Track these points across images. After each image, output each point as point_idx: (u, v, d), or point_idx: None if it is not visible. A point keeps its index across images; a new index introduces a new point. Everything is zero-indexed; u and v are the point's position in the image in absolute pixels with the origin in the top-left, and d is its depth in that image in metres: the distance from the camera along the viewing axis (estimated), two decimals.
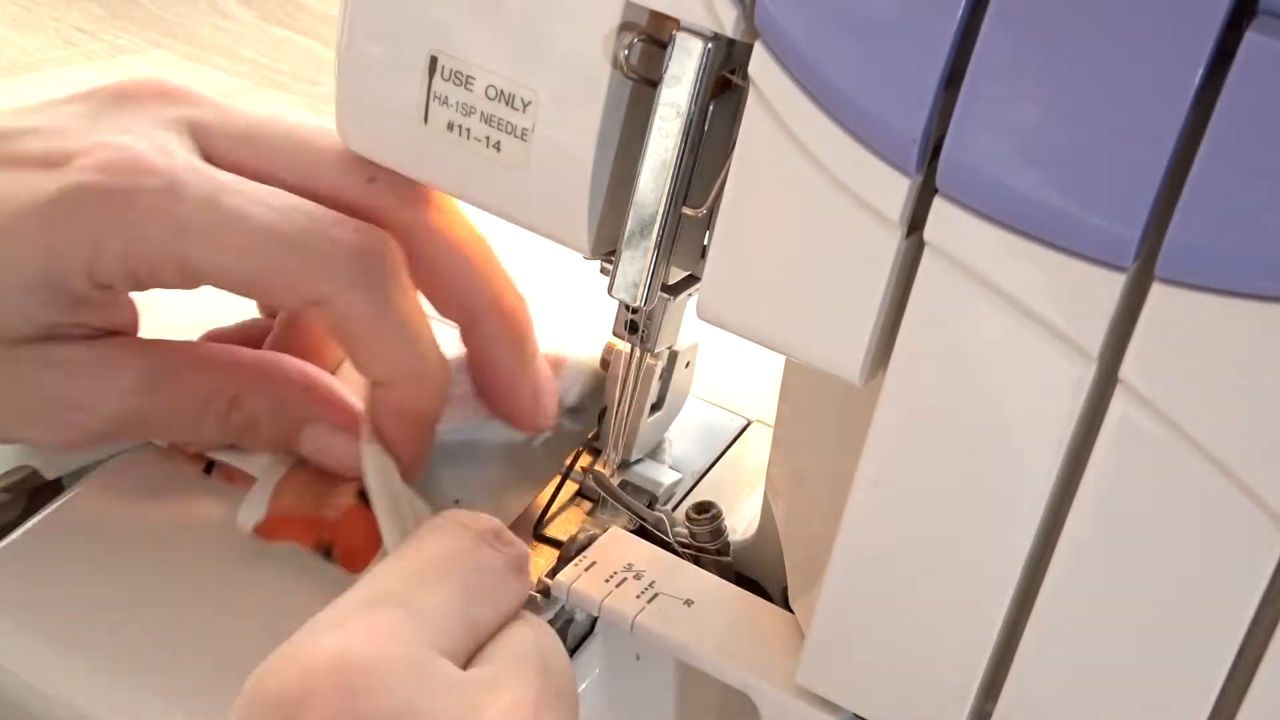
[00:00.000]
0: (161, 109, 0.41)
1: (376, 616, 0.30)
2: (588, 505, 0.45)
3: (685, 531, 0.43)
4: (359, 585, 0.31)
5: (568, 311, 0.54)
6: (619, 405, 0.44)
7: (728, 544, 0.43)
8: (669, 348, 0.44)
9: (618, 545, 0.41)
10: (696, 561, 0.42)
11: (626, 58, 0.33)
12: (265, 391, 0.42)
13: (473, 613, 0.32)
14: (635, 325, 0.42)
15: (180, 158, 0.39)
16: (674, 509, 0.46)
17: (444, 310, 0.42)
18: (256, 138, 0.41)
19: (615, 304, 0.42)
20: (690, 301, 0.42)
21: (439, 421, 0.42)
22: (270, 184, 0.40)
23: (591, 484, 0.44)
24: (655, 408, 0.46)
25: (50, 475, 0.44)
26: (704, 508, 0.43)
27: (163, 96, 0.41)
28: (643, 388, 0.44)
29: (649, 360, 0.43)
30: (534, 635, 0.34)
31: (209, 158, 0.40)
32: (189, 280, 0.39)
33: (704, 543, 0.42)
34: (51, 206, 0.38)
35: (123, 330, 0.42)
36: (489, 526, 0.34)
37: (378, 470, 0.41)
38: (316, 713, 0.28)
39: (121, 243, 0.38)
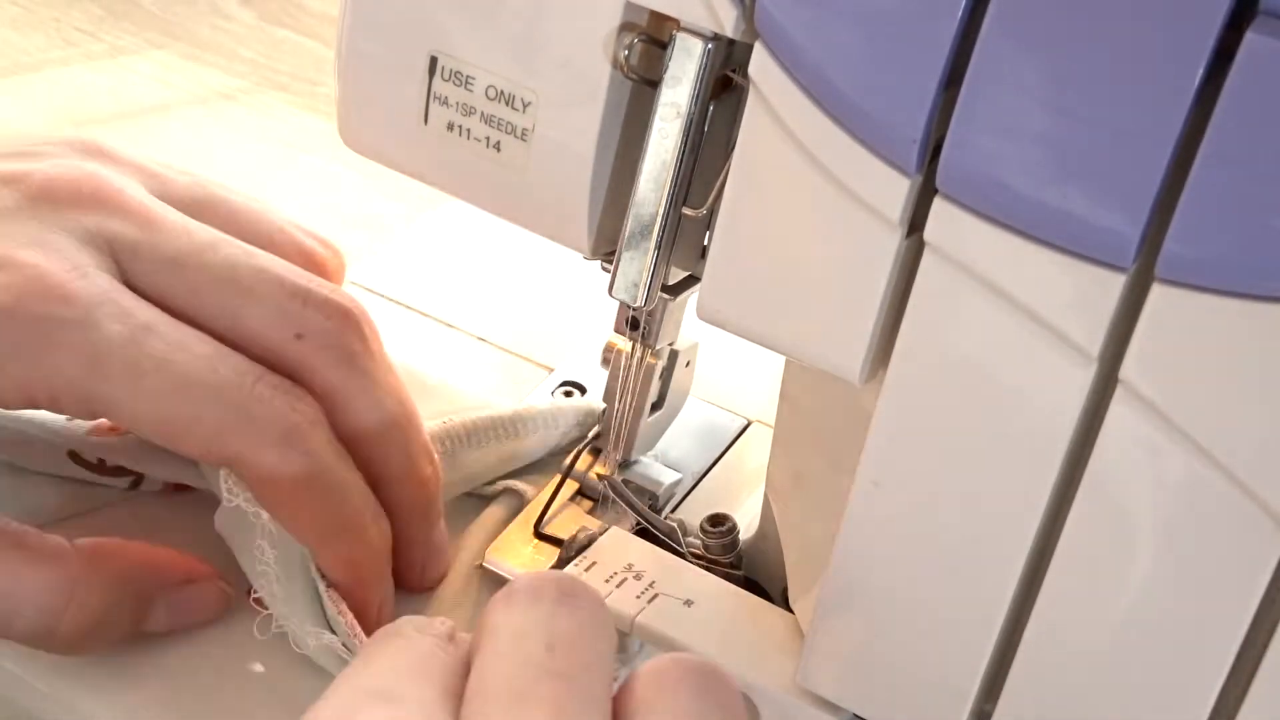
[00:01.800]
0: (83, 217, 0.37)
1: (373, 711, 0.28)
2: (588, 504, 0.45)
3: (696, 541, 0.43)
4: (338, 686, 0.29)
5: (568, 312, 0.55)
6: (619, 404, 0.44)
7: (741, 556, 0.43)
8: (670, 345, 0.44)
9: (618, 545, 0.41)
10: (707, 570, 0.42)
11: (626, 58, 0.33)
12: (104, 581, 0.38)
13: (455, 705, 0.29)
14: (636, 322, 0.42)
15: (99, 285, 0.36)
16: (674, 509, 0.46)
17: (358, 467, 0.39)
18: (184, 268, 0.38)
19: (615, 303, 0.42)
20: (691, 300, 0.42)
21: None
22: (193, 319, 0.37)
23: (595, 483, 0.44)
24: (656, 407, 0.46)
25: None
26: (719, 520, 0.42)
27: (87, 203, 0.38)
28: (643, 386, 0.44)
29: (649, 359, 0.43)
30: (519, 644, 0.30)
31: (130, 281, 0.37)
32: (93, 415, 0.37)
33: (716, 555, 0.42)
34: None
35: None
36: (443, 631, 0.31)
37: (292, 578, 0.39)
38: None
39: (23, 369, 0.35)
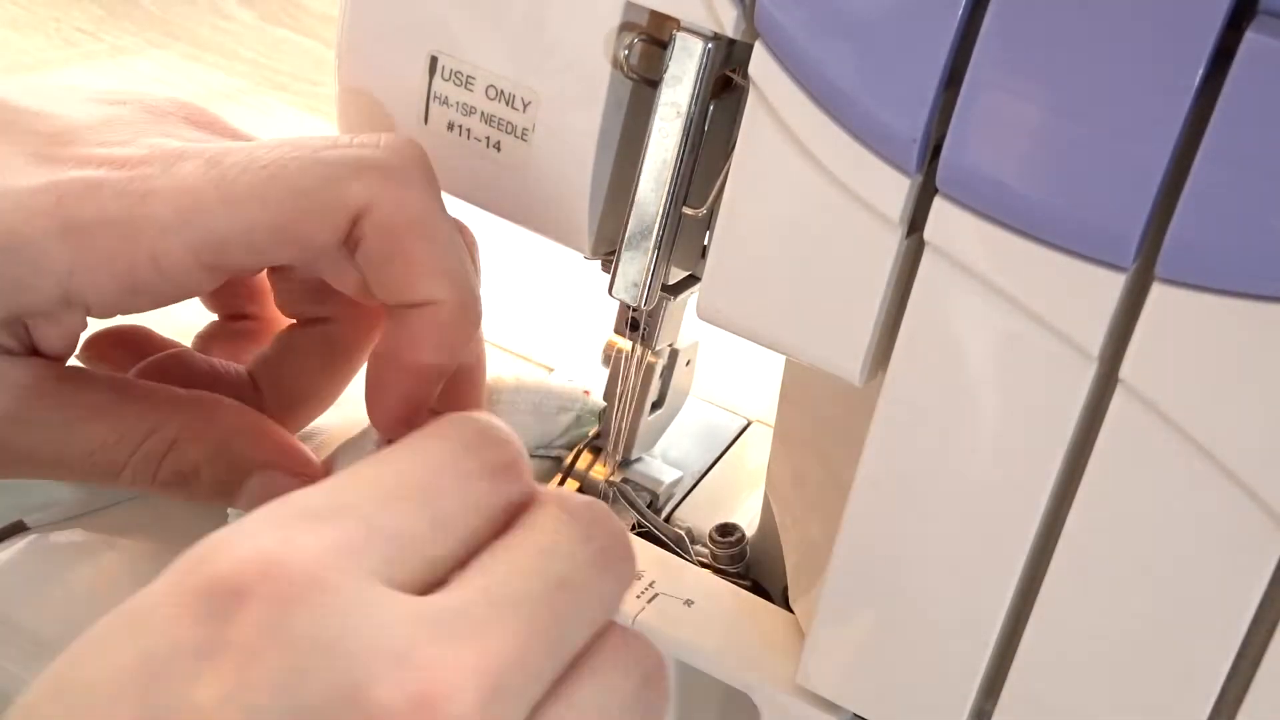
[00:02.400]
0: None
1: (326, 528, 0.25)
2: None
3: (704, 550, 0.43)
4: (315, 488, 0.26)
5: (568, 312, 0.54)
6: (620, 403, 0.44)
7: (748, 566, 0.43)
8: (670, 345, 0.44)
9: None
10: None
11: (627, 58, 0.33)
12: (209, 437, 0.37)
13: (449, 545, 0.26)
14: (636, 323, 0.42)
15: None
16: (675, 508, 0.46)
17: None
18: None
19: (615, 303, 0.42)
20: (691, 299, 0.42)
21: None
22: None
23: (596, 483, 0.44)
24: (656, 406, 0.46)
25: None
26: (728, 530, 0.42)
27: (191, 119, 0.39)
28: (643, 386, 0.44)
29: (650, 358, 0.43)
30: (545, 542, 0.27)
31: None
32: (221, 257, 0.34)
33: (724, 565, 0.42)
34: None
35: (56, 354, 0.37)
36: (497, 459, 0.28)
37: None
38: (247, 619, 0.24)
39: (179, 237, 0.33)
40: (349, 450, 0.40)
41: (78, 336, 0.37)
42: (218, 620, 0.24)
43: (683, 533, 0.43)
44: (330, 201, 0.33)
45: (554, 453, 0.47)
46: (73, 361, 0.39)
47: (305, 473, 0.38)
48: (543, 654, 0.26)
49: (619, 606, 0.29)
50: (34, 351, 0.36)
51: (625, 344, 0.44)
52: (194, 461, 0.37)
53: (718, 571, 0.42)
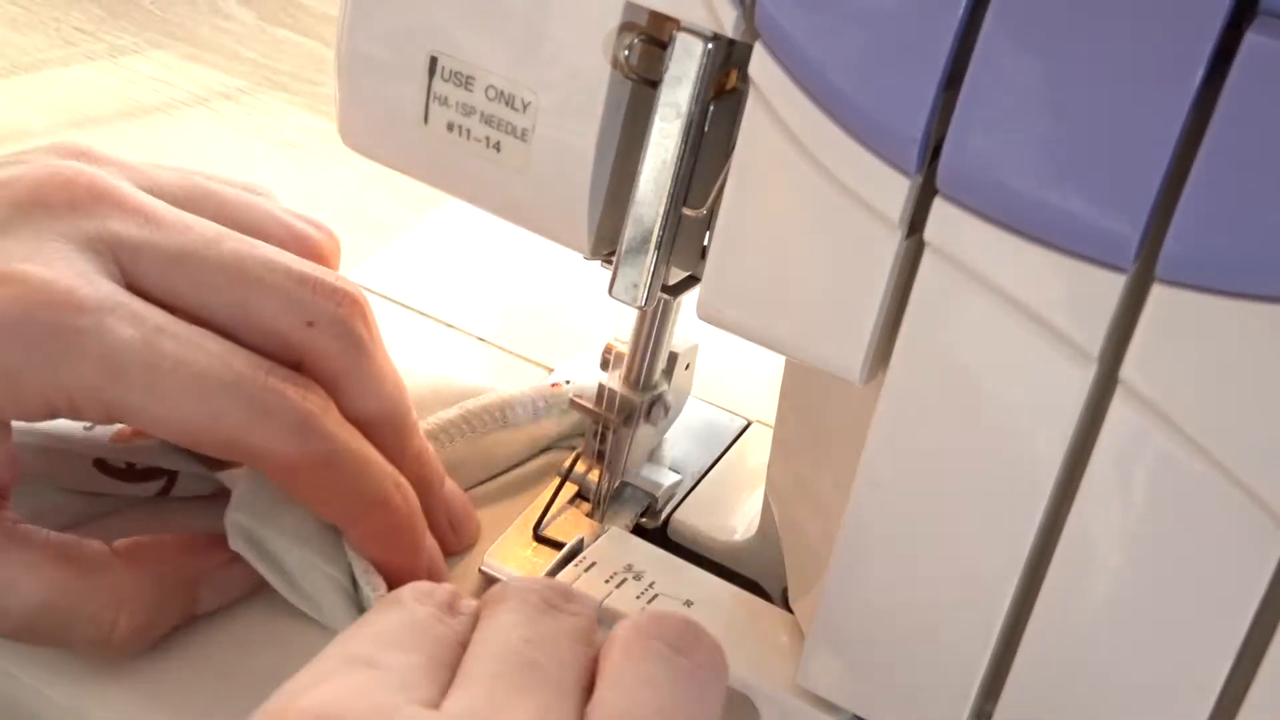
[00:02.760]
0: (80, 220, 0.37)
1: (346, 676, 0.29)
2: (587, 506, 0.45)
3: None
4: (325, 653, 0.30)
5: (567, 312, 0.54)
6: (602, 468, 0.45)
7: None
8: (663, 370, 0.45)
9: (618, 545, 0.41)
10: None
11: (627, 58, 0.33)
12: (151, 587, 0.38)
13: (439, 675, 0.30)
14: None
15: (106, 290, 0.36)
16: (674, 509, 0.46)
17: None
18: (188, 264, 0.37)
19: (614, 304, 0.42)
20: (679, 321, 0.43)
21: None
22: (200, 315, 0.37)
23: (592, 484, 0.44)
24: None
25: None
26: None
27: (84, 203, 0.37)
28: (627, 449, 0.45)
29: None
30: (502, 636, 0.32)
31: (133, 281, 0.37)
32: (111, 420, 0.37)
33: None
34: None
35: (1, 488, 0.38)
36: (443, 600, 0.33)
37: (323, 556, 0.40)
38: None
39: (43, 381, 0.35)
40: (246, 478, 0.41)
41: (12, 466, 0.38)
42: None
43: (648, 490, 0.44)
44: (233, 437, 0.37)
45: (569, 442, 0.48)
46: None
47: (229, 554, 0.40)
48: (550, 690, 0.30)
49: (592, 633, 0.33)
50: None
51: (623, 348, 0.44)
52: (149, 609, 0.39)
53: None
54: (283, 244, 0.40)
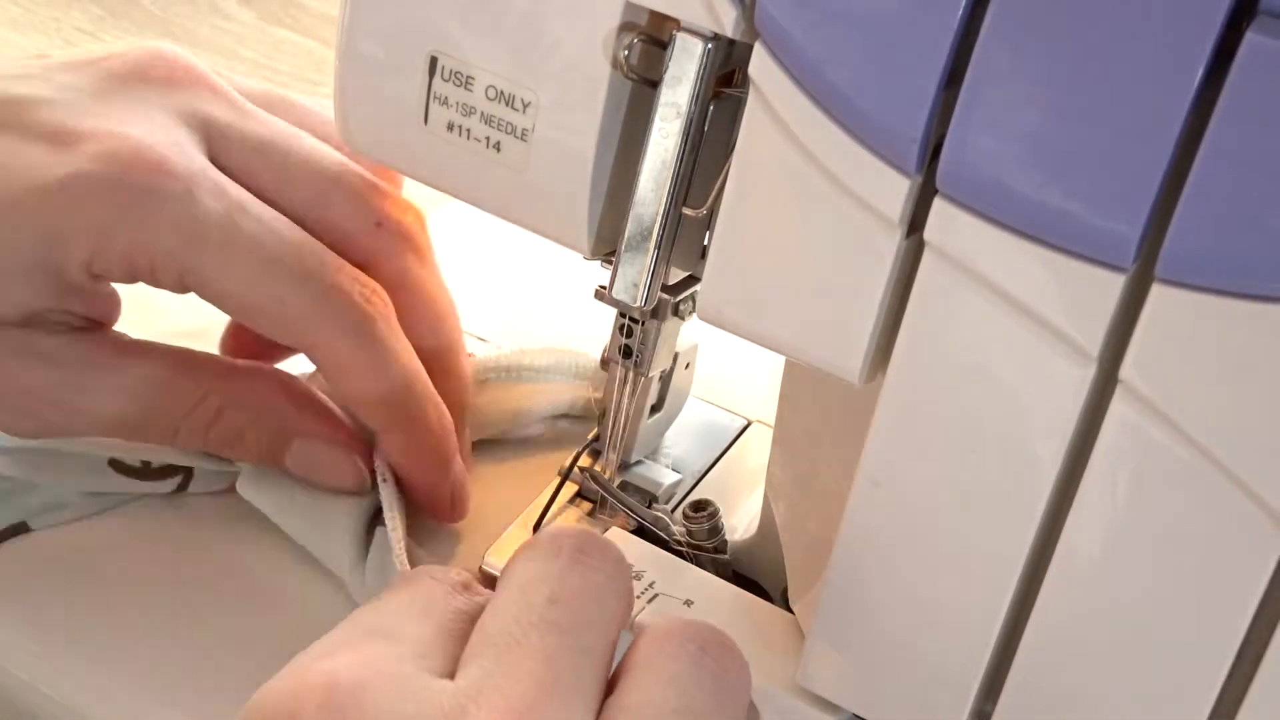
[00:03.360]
0: (177, 96, 0.39)
1: (362, 645, 0.30)
2: (587, 506, 0.45)
3: (682, 530, 0.43)
4: (342, 625, 0.31)
5: (567, 312, 0.54)
6: (615, 419, 0.44)
7: (725, 541, 0.43)
8: (663, 371, 0.44)
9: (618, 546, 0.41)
10: (695, 560, 0.42)
11: (626, 58, 0.33)
12: (252, 403, 0.41)
13: (453, 647, 0.31)
14: (630, 350, 0.42)
15: (198, 161, 0.38)
16: (674, 509, 0.46)
17: None
18: (272, 153, 0.40)
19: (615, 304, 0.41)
20: (683, 324, 0.42)
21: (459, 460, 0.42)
22: (278, 202, 0.39)
23: (590, 484, 0.44)
24: (655, 409, 0.46)
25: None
26: (701, 506, 0.43)
27: (181, 81, 0.40)
28: (642, 393, 0.44)
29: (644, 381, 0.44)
30: (525, 595, 0.31)
31: (219, 160, 0.39)
32: (185, 288, 0.39)
33: (701, 540, 0.42)
34: (57, 191, 0.37)
35: (103, 321, 0.41)
36: (459, 580, 0.33)
37: (391, 506, 0.41)
38: None
39: (129, 239, 0.37)
40: None
41: (116, 302, 0.41)
42: None
43: (661, 514, 0.43)
44: (292, 325, 0.39)
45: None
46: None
47: (340, 439, 0.42)
48: (567, 671, 0.29)
49: (626, 589, 0.33)
50: (88, 324, 0.40)
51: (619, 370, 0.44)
52: (239, 428, 0.41)
53: (695, 548, 0.42)
54: (350, 157, 0.42)
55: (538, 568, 0.32)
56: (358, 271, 0.40)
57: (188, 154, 0.38)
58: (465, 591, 0.33)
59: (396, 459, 0.41)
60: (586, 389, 0.48)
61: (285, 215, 0.39)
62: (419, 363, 0.41)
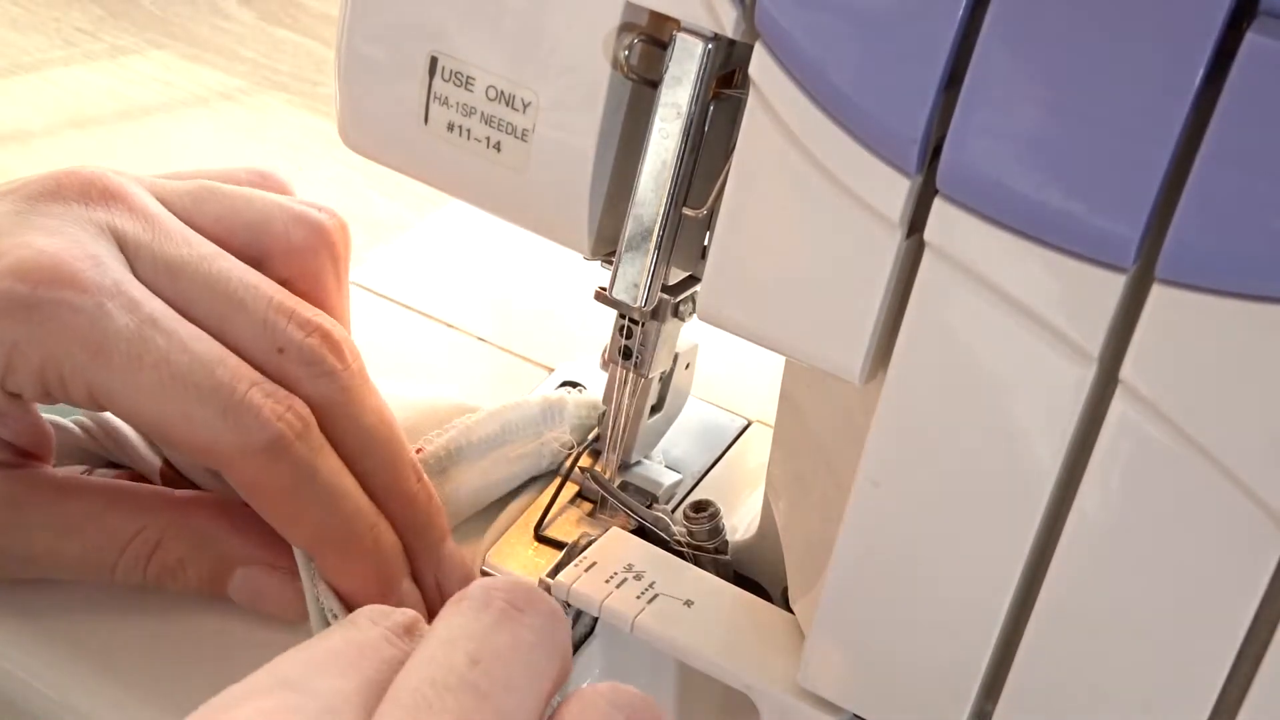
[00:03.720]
0: (94, 211, 0.39)
1: (269, 698, 0.28)
2: (588, 506, 0.45)
3: (683, 530, 0.43)
4: (257, 672, 0.29)
5: (568, 312, 0.55)
6: (615, 418, 0.44)
7: (726, 542, 0.43)
8: (662, 372, 0.44)
9: (618, 545, 0.41)
10: (695, 561, 0.42)
11: (627, 58, 0.33)
12: (191, 533, 0.40)
13: (374, 702, 0.29)
14: (629, 351, 0.42)
15: (110, 274, 0.37)
16: (674, 509, 0.46)
17: None
18: (181, 277, 0.39)
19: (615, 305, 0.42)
20: (685, 325, 0.42)
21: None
22: (191, 320, 0.38)
23: (590, 484, 0.44)
24: (655, 409, 0.46)
25: None
26: (701, 506, 0.43)
27: (98, 198, 0.39)
28: (642, 394, 0.44)
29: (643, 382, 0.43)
30: (445, 654, 0.29)
31: (137, 275, 0.38)
32: (95, 405, 0.38)
33: (702, 541, 0.42)
34: None
35: (35, 454, 0.40)
36: (401, 622, 0.31)
37: (308, 579, 0.40)
38: None
39: (40, 354, 0.36)
40: None
41: (47, 435, 0.41)
42: None
43: (662, 514, 0.43)
44: (204, 442, 0.37)
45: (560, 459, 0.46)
46: None
47: (286, 565, 0.40)
48: None
49: (561, 646, 0.30)
50: (19, 460, 0.40)
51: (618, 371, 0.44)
52: (178, 558, 0.40)
53: (697, 548, 0.42)
54: (285, 229, 0.42)
55: (463, 623, 0.30)
56: (275, 387, 0.38)
57: (102, 267, 0.37)
58: (405, 636, 0.31)
59: (333, 582, 0.39)
60: (550, 433, 0.46)
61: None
62: (349, 479, 0.39)
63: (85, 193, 0.39)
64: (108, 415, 0.43)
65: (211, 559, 0.40)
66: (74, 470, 0.42)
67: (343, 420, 0.39)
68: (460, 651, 0.29)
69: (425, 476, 0.42)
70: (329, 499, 0.38)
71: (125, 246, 0.38)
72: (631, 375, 0.43)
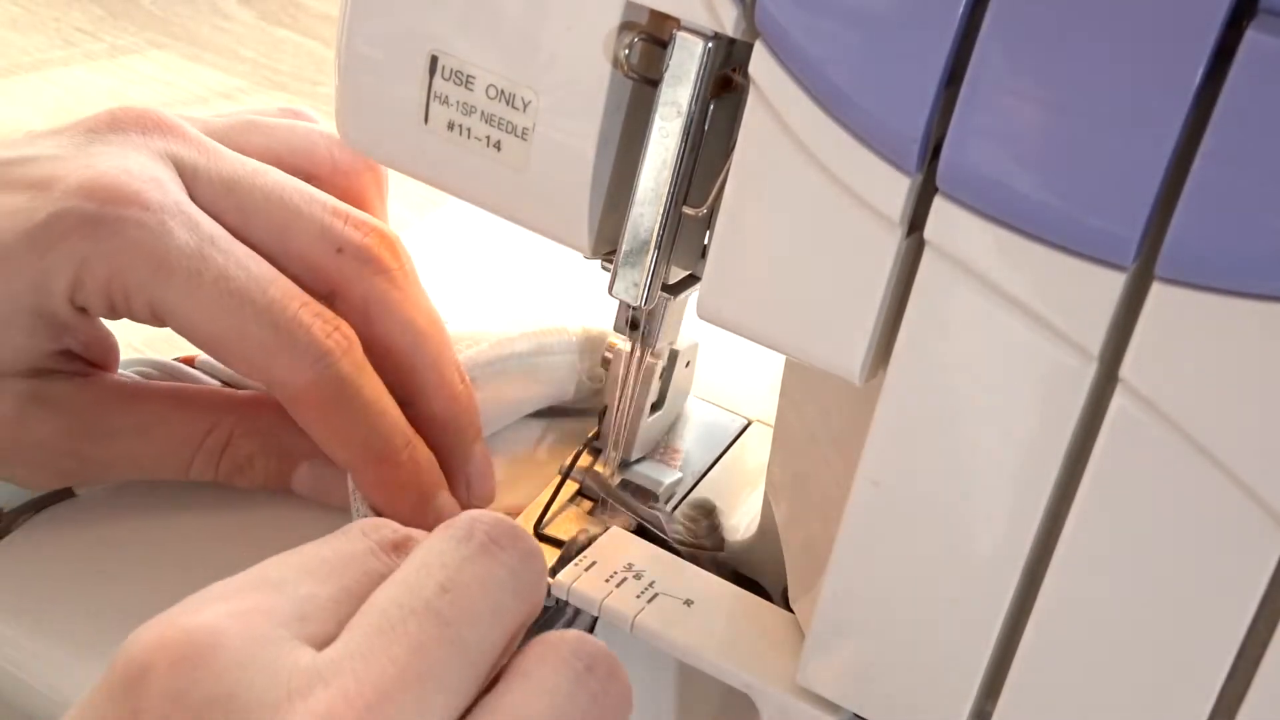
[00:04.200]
0: (152, 139, 0.41)
1: (245, 597, 0.29)
2: (588, 505, 0.45)
3: (680, 529, 0.43)
4: (248, 570, 0.30)
5: (568, 312, 0.55)
6: (619, 404, 0.44)
7: (723, 540, 0.43)
8: (670, 345, 0.44)
9: (618, 545, 0.41)
10: (694, 559, 0.42)
11: (627, 57, 0.33)
12: (259, 431, 0.42)
13: (349, 612, 0.29)
14: (636, 322, 0.42)
15: (172, 194, 0.39)
16: (674, 509, 0.46)
17: (389, 387, 0.42)
18: (239, 191, 0.41)
19: (615, 303, 0.42)
20: (691, 299, 0.42)
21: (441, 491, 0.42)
22: (246, 238, 0.40)
23: (591, 484, 0.44)
24: (656, 407, 0.46)
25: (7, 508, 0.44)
26: (701, 505, 0.43)
27: (153, 128, 0.41)
28: (643, 387, 0.44)
29: (650, 358, 0.43)
30: (417, 579, 0.30)
31: (193, 198, 0.40)
32: (156, 320, 0.40)
33: (700, 540, 0.42)
34: (39, 231, 0.38)
35: (103, 365, 0.42)
36: (392, 538, 0.32)
37: (350, 492, 0.41)
38: (152, 689, 0.27)
39: (106, 269, 0.38)
40: None
41: (113, 345, 0.43)
42: (130, 696, 0.27)
43: (659, 513, 0.43)
44: (254, 359, 0.40)
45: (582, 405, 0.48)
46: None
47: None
48: (436, 664, 0.28)
49: (533, 588, 0.31)
50: (90, 369, 0.42)
51: (624, 345, 0.44)
52: (248, 454, 0.42)
53: (695, 548, 0.42)
54: (330, 153, 0.44)
55: (442, 550, 0.30)
56: (323, 308, 0.40)
57: (164, 187, 0.39)
58: (393, 553, 0.31)
59: (369, 495, 0.41)
60: (583, 364, 0.48)
61: (255, 250, 0.40)
62: (389, 399, 0.41)
63: (141, 123, 0.41)
64: (168, 362, 0.45)
65: (278, 454, 0.42)
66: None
67: (397, 316, 0.42)
68: (433, 578, 0.29)
69: (467, 377, 0.44)
70: (369, 415, 0.40)
71: (183, 171, 0.40)
72: (638, 350, 0.43)
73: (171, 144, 0.41)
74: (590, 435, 0.46)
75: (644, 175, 0.34)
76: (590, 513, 0.44)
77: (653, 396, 0.45)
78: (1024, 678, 0.33)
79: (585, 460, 0.46)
